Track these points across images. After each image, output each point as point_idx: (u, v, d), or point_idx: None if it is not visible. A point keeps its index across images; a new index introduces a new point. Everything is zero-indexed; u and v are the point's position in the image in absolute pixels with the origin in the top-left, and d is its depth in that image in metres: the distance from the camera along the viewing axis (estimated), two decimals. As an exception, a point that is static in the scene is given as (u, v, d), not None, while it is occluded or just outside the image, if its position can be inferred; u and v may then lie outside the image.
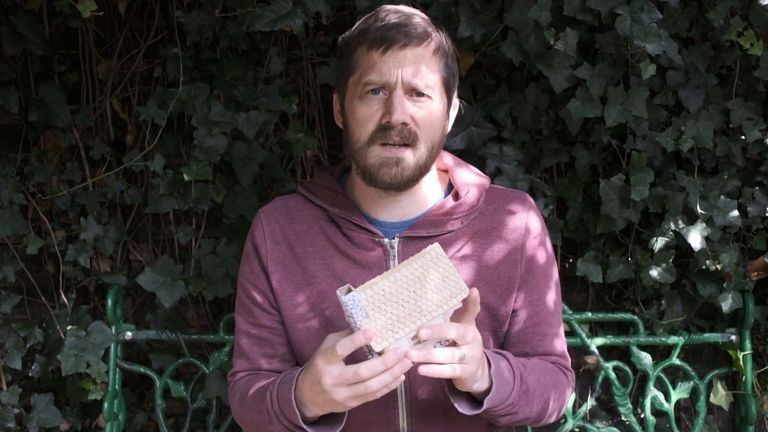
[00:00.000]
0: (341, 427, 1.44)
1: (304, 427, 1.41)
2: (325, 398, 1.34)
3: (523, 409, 1.48)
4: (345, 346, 1.29)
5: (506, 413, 1.46)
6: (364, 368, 1.28)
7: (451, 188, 1.64)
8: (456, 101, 1.61)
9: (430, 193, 1.60)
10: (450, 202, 1.58)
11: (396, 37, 1.45)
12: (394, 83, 1.46)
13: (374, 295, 1.30)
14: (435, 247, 1.35)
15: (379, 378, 1.29)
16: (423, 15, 1.54)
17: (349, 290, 1.30)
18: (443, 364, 1.31)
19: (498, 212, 1.60)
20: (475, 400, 1.45)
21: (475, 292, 1.35)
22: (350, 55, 1.52)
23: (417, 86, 1.47)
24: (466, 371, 1.34)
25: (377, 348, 1.28)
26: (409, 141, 1.48)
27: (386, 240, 1.56)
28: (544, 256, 1.62)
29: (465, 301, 1.35)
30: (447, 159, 1.66)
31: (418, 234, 1.55)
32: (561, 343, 1.65)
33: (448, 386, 1.44)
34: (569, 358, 1.67)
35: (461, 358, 1.32)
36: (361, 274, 1.55)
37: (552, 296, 1.63)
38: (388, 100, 1.46)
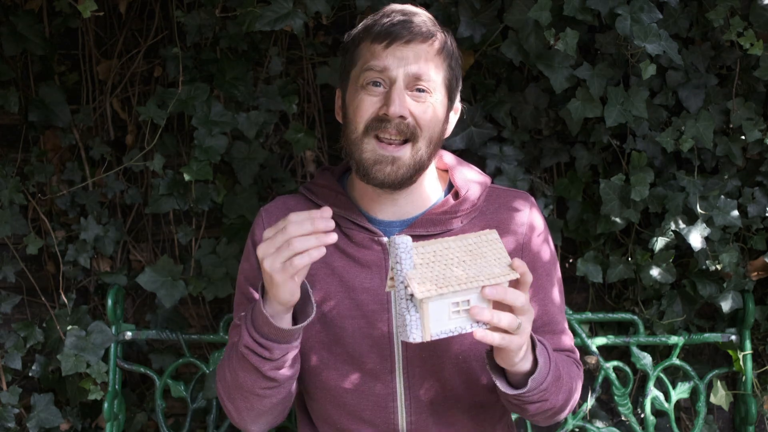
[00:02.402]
0: (308, 318, 1.40)
1: (272, 321, 1.36)
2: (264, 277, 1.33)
3: (553, 396, 1.46)
4: (300, 215, 1.28)
5: (539, 399, 1.44)
6: (292, 215, 1.27)
7: (451, 188, 1.64)
8: (458, 105, 1.61)
9: (430, 192, 1.60)
10: (450, 201, 1.58)
11: (400, 32, 1.46)
12: (395, 76, 1.46)
13: (425, 252, 1.27)
14: (492, 231, 1.34)
15: (304, 240, 1.27)
16: (430, 15, 1.54)
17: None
18: (502, 332, 1.29)
19: (499, 211, 1.61)
20: (508, 384, 1.43)
21: (528, 271, 1.32)
22: (354, 50, 1.52)
23: (419, 81, 1.46)
24: (516, 343, 1.31)
25: (419, 295, 1.23)
26: (407, 136, 1.47)
27: (385, 239, 1.55)
28: (547, 254, 1.62)
29: (521, 276, 1.32)
30: (448, 158, 1.66)
31: (418, 233, 1.55)
32: (569, 339, 1.65)
33: (489, 363, 1.42)
34: (578, 352, 1.67)
35: (518, 327, 1.30)
36: (360, 273, 1.55)
37: (557, 294, 1.63)
38: (388, 93, 1.46)
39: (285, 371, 1.44)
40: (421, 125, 1.48)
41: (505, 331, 1.30)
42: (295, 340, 1.43)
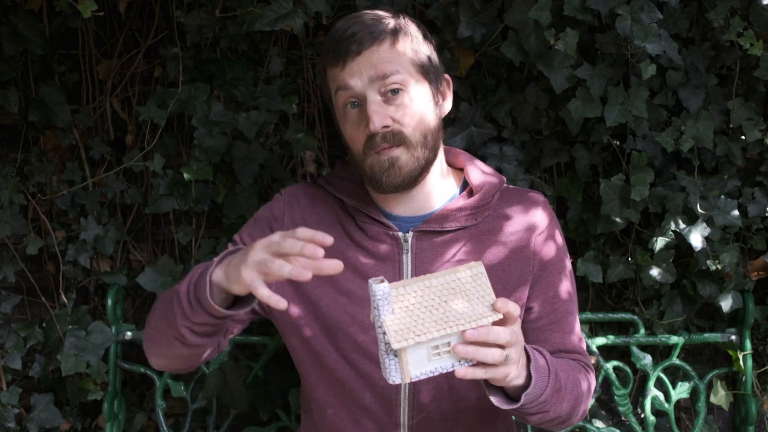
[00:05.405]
0: (247, 308, 1.35)
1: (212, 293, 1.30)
2: (238, 257, 1.27)
3: (555, 407, 1.44)
4: (293, 244, 1.20)
5: (538, 411, 1.42)
6: (289, 241, 1.20)
7: (465, 185, 1.65)
8: (447, 77, 1.60)
9: (444, 189, 1.62)
10: (464, 198, 1.60)
11: (347, 48, 1.46)
12: (362, 92, 1.47)
13: (405, 294, 1.25)
14: (477, 265, 1.30)
15: (291, 268, 1.19)
16: (376, 12, 1.52)
17: (382, 282, 1.24)
18: (486, 367, 1.26)
19: (511, 210, 1.62)
20: (507, 396, 1.41)
21: (514, 306, 1.28)
22: (324, 77, 1.56)
23: (386, 84, 1.47)
24: (501, 373, 1.28)
25: (395, 346, 1.21)
26: (395, 142, 1.48)
27: (400, 233, 1.56)
28: (556, 252, 1.62)
29: (505, 315, 1.29)
30: (463, 157, 1.68)
31: (432, 228, 1.56)
32: (579, 340, 1.64)
33: (484, 380, 1.39)
34: (588, 355, 1.65)
35: (505, 359, 1.27)
36: (374, 266, 1.56)
37: (568, 293, 1.63)
38: (364, 111, 1.48)
39: (196, 338, 1.39)
40: (406, 125, 1.48)
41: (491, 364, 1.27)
42: (221, 319, 1.36)
